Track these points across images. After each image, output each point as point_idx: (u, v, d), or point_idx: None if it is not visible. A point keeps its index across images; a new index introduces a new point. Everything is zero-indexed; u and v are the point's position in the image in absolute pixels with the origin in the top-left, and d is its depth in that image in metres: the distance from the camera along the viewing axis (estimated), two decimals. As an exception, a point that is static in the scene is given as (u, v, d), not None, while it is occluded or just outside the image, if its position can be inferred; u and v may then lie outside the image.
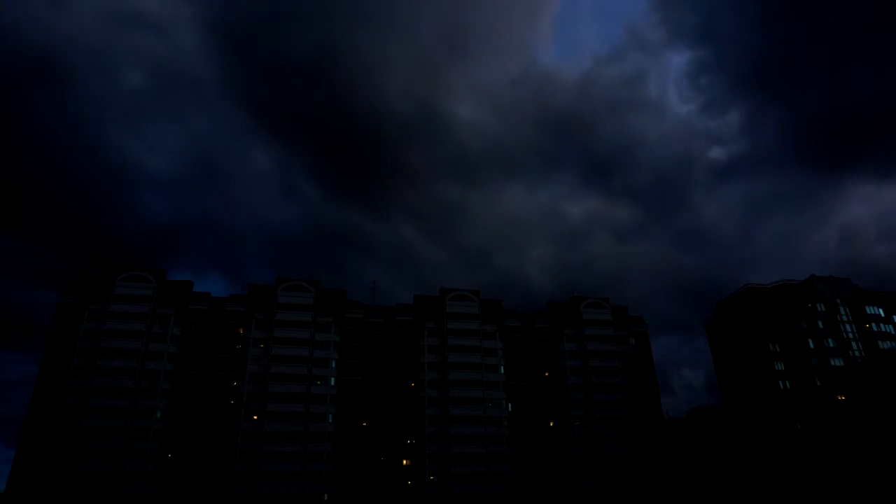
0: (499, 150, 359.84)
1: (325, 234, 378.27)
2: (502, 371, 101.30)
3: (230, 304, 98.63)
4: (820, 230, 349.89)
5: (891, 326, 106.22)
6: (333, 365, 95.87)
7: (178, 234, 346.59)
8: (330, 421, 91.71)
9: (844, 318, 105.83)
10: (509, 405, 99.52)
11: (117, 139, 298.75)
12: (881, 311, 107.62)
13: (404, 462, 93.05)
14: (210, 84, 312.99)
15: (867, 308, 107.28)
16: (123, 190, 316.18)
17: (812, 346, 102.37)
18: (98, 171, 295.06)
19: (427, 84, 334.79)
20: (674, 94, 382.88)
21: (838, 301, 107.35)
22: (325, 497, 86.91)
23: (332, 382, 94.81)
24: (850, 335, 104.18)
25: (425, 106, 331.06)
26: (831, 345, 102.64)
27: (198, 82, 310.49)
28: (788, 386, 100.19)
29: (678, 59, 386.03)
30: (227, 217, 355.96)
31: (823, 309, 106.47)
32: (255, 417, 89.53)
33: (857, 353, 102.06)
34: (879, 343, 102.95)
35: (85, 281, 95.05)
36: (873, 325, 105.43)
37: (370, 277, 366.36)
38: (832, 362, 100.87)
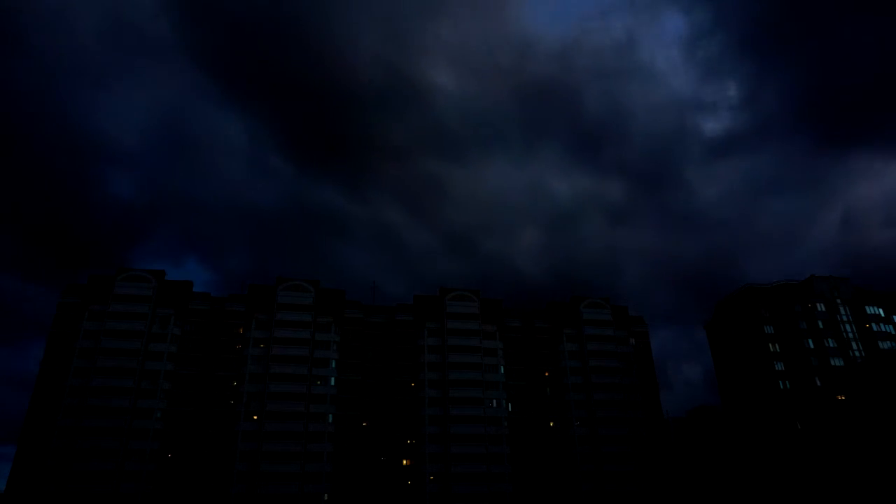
0: (479, 121, 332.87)
1: (302, 215, 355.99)
2: (502, 371, 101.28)
3: (230, 304, 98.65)
4: (824, 212, 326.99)
5: (891, 326, 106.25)
6: (333, 365, 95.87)
7: (147, 214, 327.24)
8: (330, 421, 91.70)
9: (844, 318, 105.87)
10: (509, 405, 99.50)
11: (73, 108, 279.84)
12: (881, 311, 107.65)
13: (404, 462, 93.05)
14: (173, 49, 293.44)
15: (867, 308, 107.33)
16: (84, 164, 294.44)
17: (812, 346, 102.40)
18: (58, 141, 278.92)
19: (399, 49, 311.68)
20: (667, 61, 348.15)
21: (838, 301, 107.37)
22: (325, 497, 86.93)
23: (332, 382, 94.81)
24: (850, 335, 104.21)
25: (398, 73, 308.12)
26: (831, 345, 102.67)
27: (160, 47, 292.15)
28: (788, 386, 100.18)
29: (672, 23, 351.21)
30: (199, 195, 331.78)
31: (823, 309, 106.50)
32: (255, 417, 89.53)
33: (857, 353, 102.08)
34: (879, 343, 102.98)
35: (85, 281, 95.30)
36: (873, 325, 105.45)
37: (353, 261, 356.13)
38: (832, 362, 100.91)
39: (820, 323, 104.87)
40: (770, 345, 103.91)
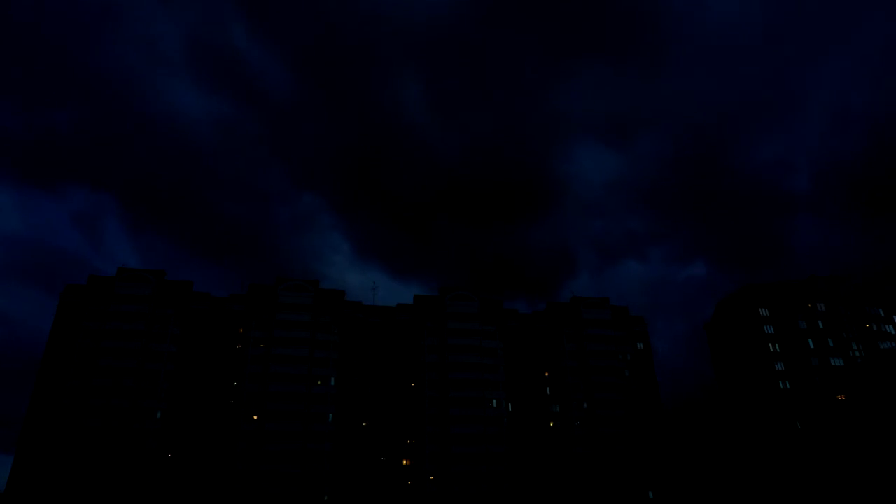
0: None
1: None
2: (502, 371, 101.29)
3: (230, 304, 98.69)
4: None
5: (891, 326, 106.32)
6: (333, 365, 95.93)
7: None
8: (330, 421, 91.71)
9: (844, 318, 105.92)
10: (509, 405, 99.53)
11: None
12: (881, 311, 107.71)
13: (404, 462, 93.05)
14: None
15: (867, 308, 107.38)
16: None
17: (812, 346, 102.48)
18: None
19: None
20: None
21: (838, 301, 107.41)
22: (326, 498, 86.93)
23: (332, 382, 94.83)
24: (850, 335, 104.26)
25: None
26: (831, 345, 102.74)
27: None
28: (788, 386, 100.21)
29: None
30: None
31: (823, 309, 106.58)
32: (255, 417, 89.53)
33: (857, 353, 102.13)
34: (879, 343, 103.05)
35: (85, 280, 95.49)
36: (873, 325, 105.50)
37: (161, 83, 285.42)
38: (832, 362, 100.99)
39: (820, 323, 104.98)
40: (770, 345, 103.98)
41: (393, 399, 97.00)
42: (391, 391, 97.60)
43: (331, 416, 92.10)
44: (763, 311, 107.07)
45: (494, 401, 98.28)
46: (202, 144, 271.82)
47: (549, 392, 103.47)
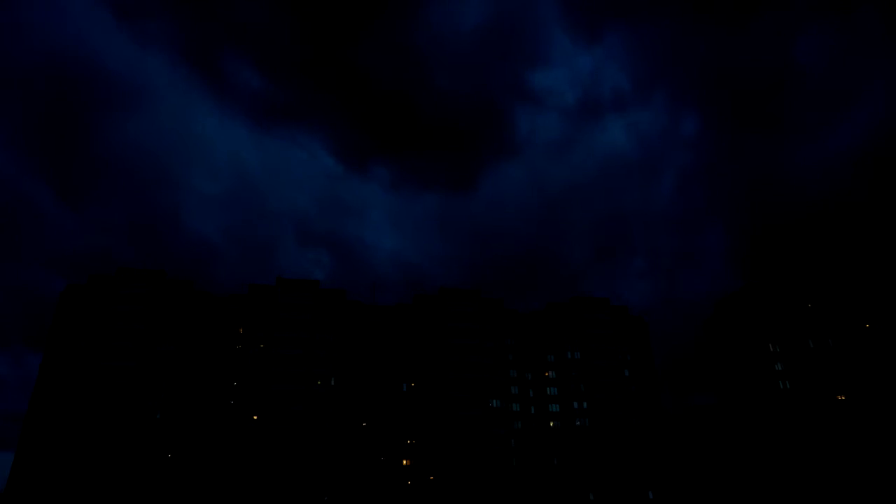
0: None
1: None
2: (502, 371, 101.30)
3: (230, 303, 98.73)
4: None
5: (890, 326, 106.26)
6: (333, 365, 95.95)
7: None
8: (330, 421, 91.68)
9: (844, 318, 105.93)
10: (510, 405, 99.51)
11: None
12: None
13: (404, 462, 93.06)
14: None
15: (867, 308, 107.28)
16: None
17: (812, 346, 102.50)
18: None
19: None
20: None
21: (838, 300, 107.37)
22: (325, 498, 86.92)
23: (332, 382, 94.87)
24: (850, 335, 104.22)
25: None
26: (831, 345, 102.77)
27: None
28: (788, 386, 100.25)
29: None
30: None
31: (823, 308, 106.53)
32: (255, 417, 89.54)
33: (856, 353, 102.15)
34: (878, 343, 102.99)
35: (85, 280, 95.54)
36: (873, 324, 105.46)
37: None
38: (832, 362, 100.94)
39: (820, 323, 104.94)
40: (770, 344, 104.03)
41: (393, 399, 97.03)
42: (391, 391, 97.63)
43: (331, 416, 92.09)
44: (763, 311, 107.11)
45: (494, 401, 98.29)
46: None
47: (549, 392, 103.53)
